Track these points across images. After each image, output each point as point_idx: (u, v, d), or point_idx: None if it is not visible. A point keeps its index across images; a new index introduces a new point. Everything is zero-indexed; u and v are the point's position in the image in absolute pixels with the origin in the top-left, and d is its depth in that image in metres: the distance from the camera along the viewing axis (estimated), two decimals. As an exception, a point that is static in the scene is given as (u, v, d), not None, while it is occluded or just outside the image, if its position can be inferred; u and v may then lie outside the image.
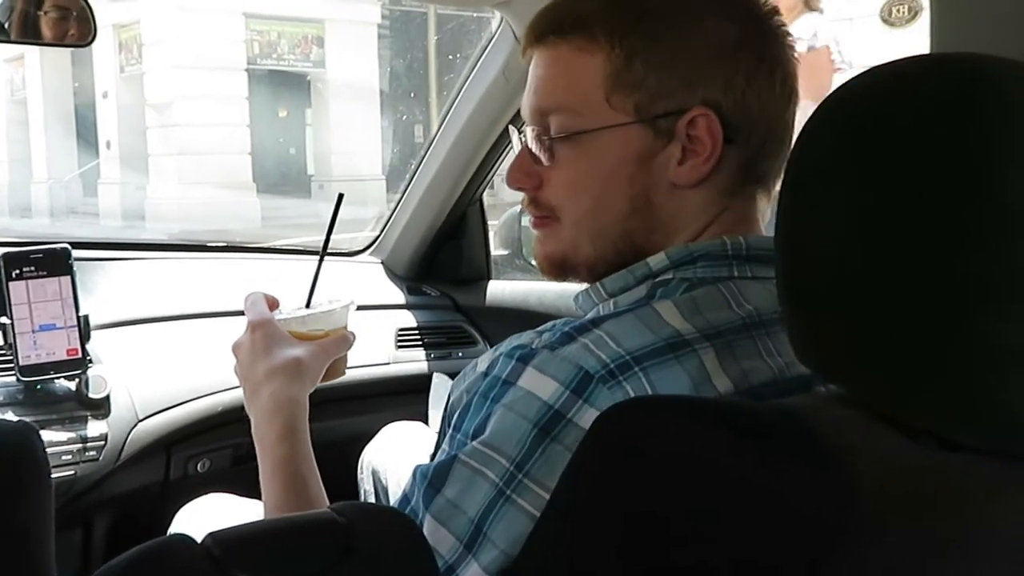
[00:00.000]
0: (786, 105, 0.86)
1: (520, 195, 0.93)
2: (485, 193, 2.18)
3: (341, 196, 1.13)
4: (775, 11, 0.88)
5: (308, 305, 1.11)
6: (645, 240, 0.87)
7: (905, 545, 0.58)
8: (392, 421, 1.76)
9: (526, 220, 2.17)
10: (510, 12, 1.71)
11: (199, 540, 0.62)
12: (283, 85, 15.41)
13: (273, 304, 1.11)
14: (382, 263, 2.25)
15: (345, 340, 1.09)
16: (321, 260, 1.11)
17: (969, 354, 0.60)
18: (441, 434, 0.90)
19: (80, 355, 1.55)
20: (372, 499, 1.61)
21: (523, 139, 0.91)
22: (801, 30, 3.32)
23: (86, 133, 15.34)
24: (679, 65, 0.83)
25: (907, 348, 0.61)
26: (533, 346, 0.78)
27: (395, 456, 1.57)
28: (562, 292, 1.94)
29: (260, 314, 1.06)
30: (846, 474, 0.57)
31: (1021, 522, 0.62)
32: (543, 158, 0.89)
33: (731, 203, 0.87)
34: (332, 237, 1.15)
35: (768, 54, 0.85)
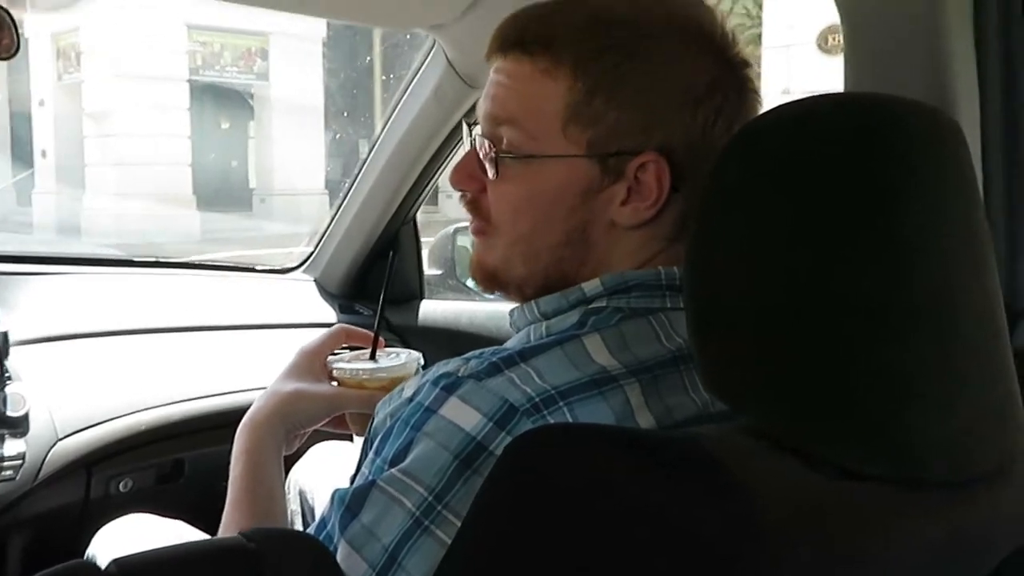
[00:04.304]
0: None
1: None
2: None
3: (393, 255, 1.15)
4: (745, 63, 0.85)
5: (373, 356, 1.11)
6: (575, 271, 0.86)
7: (804, 572, 0.59)
8: (320, 441, 1.74)
9: (460, 240, 2.19)
10: (443, 36, 1.70)
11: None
12: (226, 97, 15.26)
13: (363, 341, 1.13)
14: (315, 281, 2.24)
15: (364, 399, 1.06)
16: (381, 312, 1.12)
17: (870, 384, 0.61)
18: (362, 456, 0.89)
19: (-2, 372, 1.51)
20: (299, 520, 1.59)
21: (474, 139, 0.89)
22: None
23: (21, 142, 15.04)
24: (640, 107, 0.81)
25: (811, 378, 0.62)
26: (459, 374, 0.77)
27: (323, 477, 1.55)
28: (493, 313, 1.95)
29: (311, 343, 1.11)
30: (747, 502, 0.58)
31: (919, 546, 0.64)
32: (488, 169, 0.86)
33: (668, 247, 0.85)
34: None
35: (729, 106, 0.83)
